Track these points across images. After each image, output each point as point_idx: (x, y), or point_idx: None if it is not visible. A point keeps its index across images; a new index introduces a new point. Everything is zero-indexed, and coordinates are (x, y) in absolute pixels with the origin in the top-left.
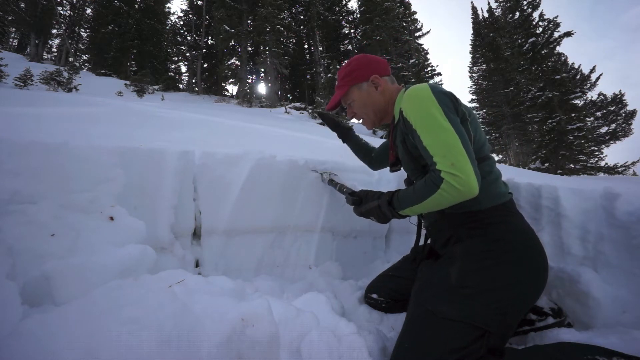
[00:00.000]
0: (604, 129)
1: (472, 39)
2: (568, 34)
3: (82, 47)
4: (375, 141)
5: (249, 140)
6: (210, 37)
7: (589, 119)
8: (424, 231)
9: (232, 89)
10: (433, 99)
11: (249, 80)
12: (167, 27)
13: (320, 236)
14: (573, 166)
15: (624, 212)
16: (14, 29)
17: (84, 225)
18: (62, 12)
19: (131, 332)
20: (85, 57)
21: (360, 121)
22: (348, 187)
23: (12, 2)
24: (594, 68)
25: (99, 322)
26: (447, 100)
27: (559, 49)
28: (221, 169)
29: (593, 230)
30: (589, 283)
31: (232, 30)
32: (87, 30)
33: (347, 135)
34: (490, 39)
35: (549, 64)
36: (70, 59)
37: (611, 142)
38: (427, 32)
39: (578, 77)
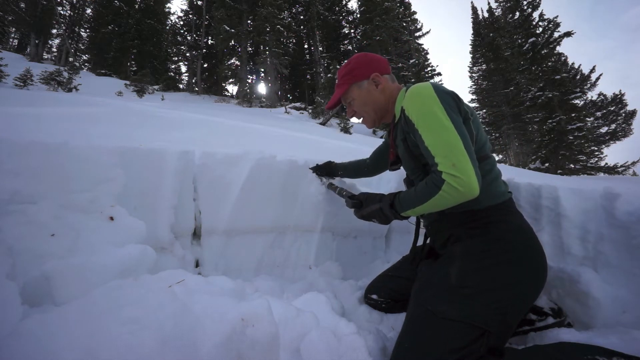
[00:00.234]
0: (604, 129)
1: (472, 39)
2: (568, 34)
3: (82, 47)
4: (375, 141)
5: (249, 140)
6: (210, 37)
7: (589, 119)
8: (423, 231)
9: (232, 89)
10: (436, 97)
11: (249, 80)
12: (167, 27)
13: (320, 236)
14: (573, 166)
15: (624, 212)
16: (14, 29)
17: (84, 225)
18: (62, 12)
19: (131, 332)
20: (85, 57)
21: (361, 120)
22: (348, 191)
23: (12, 2)
24: (594, 68)
25: (99, 322)
26: (450, 100)
27: (559, 49)
28: (221, 169)
29: (593, 230)
30: (589, 283)
31: (232, 30)
32: (87, 30)
33: (331, 171)
34: (490, 39)
35: (549, 64)
36: (70, 59)
37: (611, 142)
38: (427, 32)
39: (578, 77)
